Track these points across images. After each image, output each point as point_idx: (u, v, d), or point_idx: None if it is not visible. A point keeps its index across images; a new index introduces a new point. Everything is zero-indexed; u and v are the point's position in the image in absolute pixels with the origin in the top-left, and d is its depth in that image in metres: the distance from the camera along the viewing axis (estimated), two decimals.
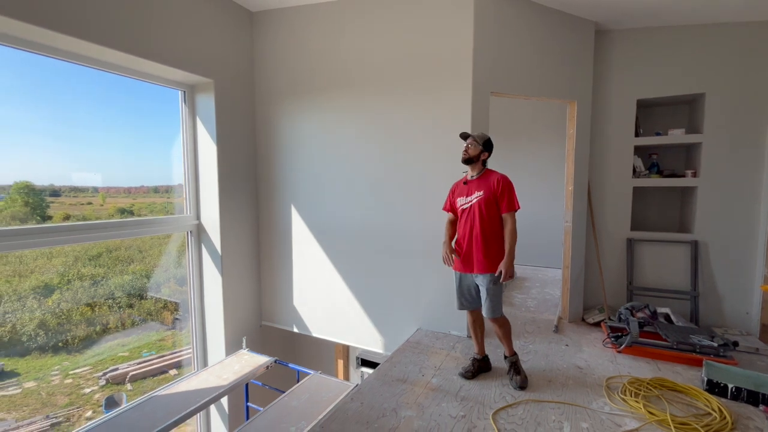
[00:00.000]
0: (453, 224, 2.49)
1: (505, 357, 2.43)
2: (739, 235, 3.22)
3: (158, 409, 2.49)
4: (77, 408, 2.76)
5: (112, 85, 2.95)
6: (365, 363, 4.65)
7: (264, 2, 3.43)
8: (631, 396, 2.15)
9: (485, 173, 2.35)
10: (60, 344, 2.75)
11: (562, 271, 3.47)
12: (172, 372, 3.40)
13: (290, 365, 3.17)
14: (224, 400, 3.40)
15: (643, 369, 2.52)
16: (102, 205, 3.04)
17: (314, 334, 3.65)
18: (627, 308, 3.08)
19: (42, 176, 2.63)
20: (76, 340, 2.84)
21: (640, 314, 3.06)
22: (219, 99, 3.30)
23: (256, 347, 3.59)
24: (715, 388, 2.20)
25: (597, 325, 3.27)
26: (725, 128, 3.20)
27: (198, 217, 3.46)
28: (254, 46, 3.65)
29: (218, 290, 3.43)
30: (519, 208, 2.29)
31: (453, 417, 2.04)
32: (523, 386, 2.27)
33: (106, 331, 3.02)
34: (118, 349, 3.11)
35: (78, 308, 2.86)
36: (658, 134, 3.47)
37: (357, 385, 2.52)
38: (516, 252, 2.26)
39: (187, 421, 2.54)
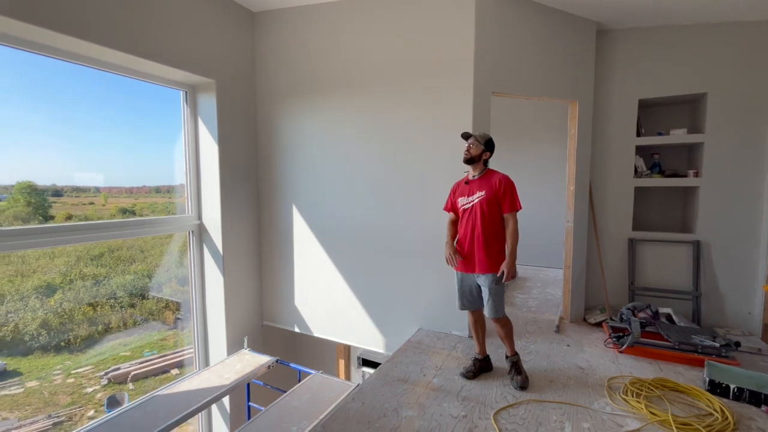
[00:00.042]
0: (454, 224, 2.48)
1: (507, 357, 2.43)
2: (742, 235, 3.21)
3: (160, 409, 2.50)
4: (79, 407, 2.77)
5: (114, 86, 2.96)
6: (366, 363, 4.66)
7: (265, 2, 3.44)
8: (632, 396, 2.14)
9: (487, 173, 2.35)
10: (62, 344, 2.76)
11: (563, 271, 3.47)
12: (174, 371, 3.41)
13: (291, 365, 3.17)
14: (226, 400, 3.41)
15: (645, 369, 2.52)
16: (104, 205, 3.05)
17: (315, 334, 3.66)
18: (629, 308, 3.07)
19: (44, 176, 2.64)
20: (78, 340, 2.85)
21: (641, 314, 3.06)
22: (220, 99, 3.30)
23: (258, 347, 3.59)
24: (717, 388, 2.20)
25: (598, 325, 3.27)
26: (727, 128, 3.19)
27: (199, 217, 3.46)
28: (255, 46, 3.65)
29: (220, 290, 3.43)
30: (521, 208, 2.28)
31: (454, 417, 2.04)
32: (524, 386, 2.27)
33: (108, 330, 3.03)
34: (120, 348, 3.12)
35: (80, 308, 2.87)
36: (659, 134, 3.46)
37: (358, 385, 2.52)
38: (517, 252, 2.26)
39: (189, 420, 2.54)
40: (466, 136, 2.37)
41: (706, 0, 2.83)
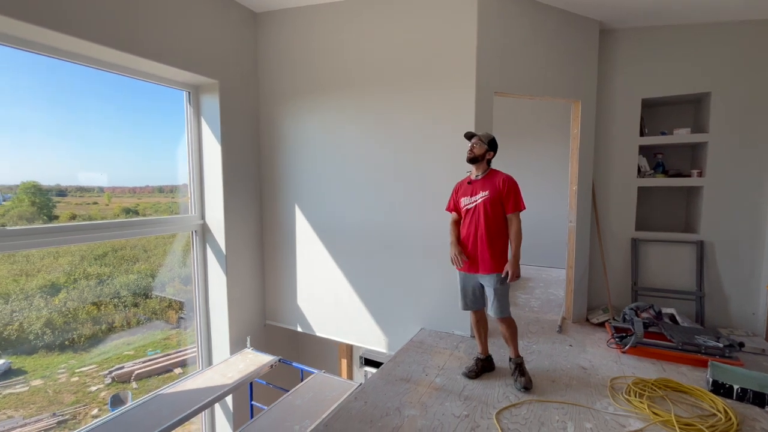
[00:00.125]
0: (457, 224, 2.48)
1: (510, 359, 2.42)
2: (746, 235, 3.20)
3: (163, 408, 2.50)
4: (83, 406, 2.79)
5: (117, 86, 2.97)
6: (369, 362, 4.67)
7: (268, 3, 3.44)
8: (635, 396, 2.14)
9: (490, 173, 2.35)
10: (66, 343, 2.78)
11: (566, 271, 3.46)
12: (177, 370, 3.42)
13: (294, 364, 3.18)
14: (229, 399, 3.42)
15: (648, 370, 2.51)
16: (107, 205, 3.06)
17: (318, 334, 3.66)
18: (632, 308, 3.06)
19: (48, 176, 2.65)
20: (83, 339, 2.87)
21: (644, 314, 3.05)
22: (223, 99, 3.31)
23: (261, 346, 3.60)
24: (720, 389, 2.19)
25: (601, 325, 3.26)
26: (731, 127, 3.18)
27: (203, 217, 3.48)
28: (258, 46, 3.66)
29: (223, 289, 3.45)
30: (525, 208, 2.28)
31: (456, 416, 2.04)
32: (527, 387, 2.26)
33: (111, 329, 3.05)
34: (124, 347, 3.14)
35: (84, 307, 2.89)
36: (663, 134, 3.45)
37: (361, 385, 2.53)
38: (520, 252, 2.26)
39: (192, 419, 2.55)
40: (469, 136, 2.37)
41: None
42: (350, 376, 4.83)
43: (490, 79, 2.88)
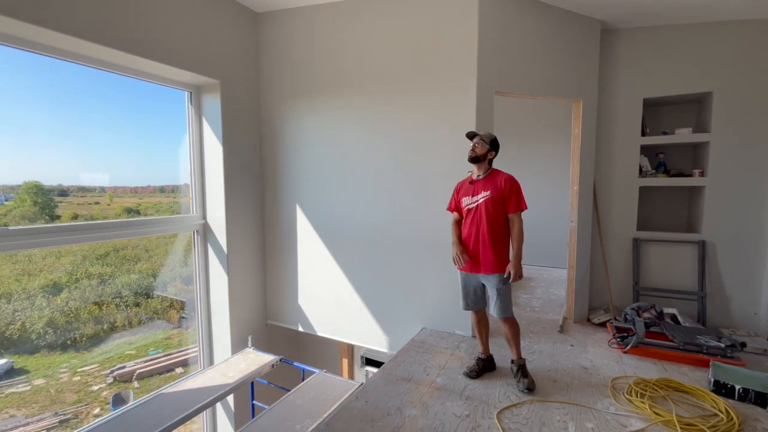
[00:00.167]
0: (459, 224, 2.47)
1: (512, 361, 2.41)
2: (748, 235, 3.19)
3: (165, 407, 2.51)
4: (85, 405, 2.79)
5: (119, 86, 2.98)
6: (370, 362, 4.67)
7: (269, 3, 3.45)
8: (636, 396, 2.14)
9: (491, 173, 2.35)
10: (68, 342, 2.79)
11: (567, 271, 3.46)
12: (179, 370, 3.43)
13: (295, 364, 3.18)
14: (230, 398, 3.42)
15: (649, 370, 2.51)
16: (109, 205, 3.07)
17: (319, 333, 3.67)
18: (633, 308, 3.06)
19: (50, 176, 2.66)
20: (84, 338, 2.88)
21: (646, 314, 3.04)
22: (225, 99, 3.32)
23: (262, 346, 3.61)
24: (722, 389, 2.19)
25: (602, 325, 3.26)
26: (733, 127, 3.17)
27: (204, 217, 3.48)
28: (259, 47, 3.66)
29: (224, 289, 3.45)
30: (526, 208, 2.28)
31: (457, 416, 2.04)
32: (531, 389, 2.25)
33: (113, 329, 3.06)
34: (125, 347, 3.15)
35: (86, 307, 2.90)
36: (664, 133, 3.44)
37: (362, 384, 2.53)
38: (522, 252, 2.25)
39: (194, 418, 2.56)
40: (471, 135, 2.37)
41: None
42: (351, 376, 4.83)
43: (490, 78, 2.88)
